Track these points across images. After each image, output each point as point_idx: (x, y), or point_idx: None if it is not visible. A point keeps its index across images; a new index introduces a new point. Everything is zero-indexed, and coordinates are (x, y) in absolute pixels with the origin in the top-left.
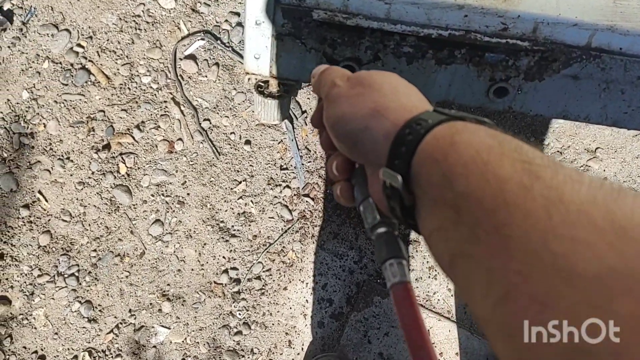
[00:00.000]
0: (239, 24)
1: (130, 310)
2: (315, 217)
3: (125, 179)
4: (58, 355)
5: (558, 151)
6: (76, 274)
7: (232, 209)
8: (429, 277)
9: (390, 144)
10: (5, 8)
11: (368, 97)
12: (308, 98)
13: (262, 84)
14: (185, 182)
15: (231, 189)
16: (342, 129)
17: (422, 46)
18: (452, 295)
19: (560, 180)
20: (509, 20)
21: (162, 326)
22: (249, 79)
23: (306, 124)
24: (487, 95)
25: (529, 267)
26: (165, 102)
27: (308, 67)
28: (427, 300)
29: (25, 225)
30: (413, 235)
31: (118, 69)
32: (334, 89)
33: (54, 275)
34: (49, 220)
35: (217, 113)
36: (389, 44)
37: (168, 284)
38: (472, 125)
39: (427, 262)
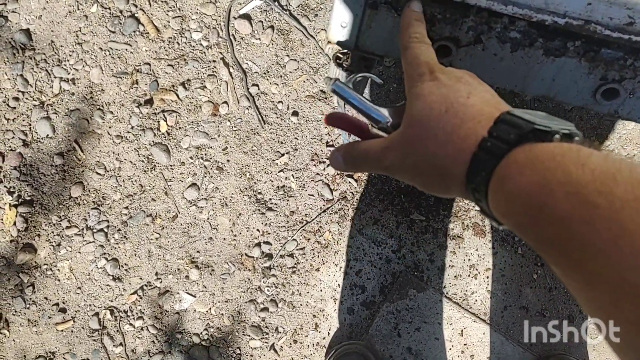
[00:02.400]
0: None
1: (156, 274)
2: (357, 199)
3: (165, 137)
4: (79, 310)
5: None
6: (105, 229)
7: (272, 181)
8: (469, 275)
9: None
10: None
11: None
12: None
13: (341, 56)
14: (227, 147)
15: (273, 160)
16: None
17: (532, 33)
18: (490, 298)
19: None
20: (638, 14)
21: (188, 293)
22: (329, 48)
23: (382, 83)
24: (593, 96)
25: None
26: (214, 61)
27: (398, 43)
28: (464, 300)
29: (58, 173)
30: (456, 230)
31: (169, 21)
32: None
33: (83, 229)
34: (83, 171)
35: (267, 79)
36: (495, 27)
37: (198, 251)
38: (577, 149)
39: (469, 259)
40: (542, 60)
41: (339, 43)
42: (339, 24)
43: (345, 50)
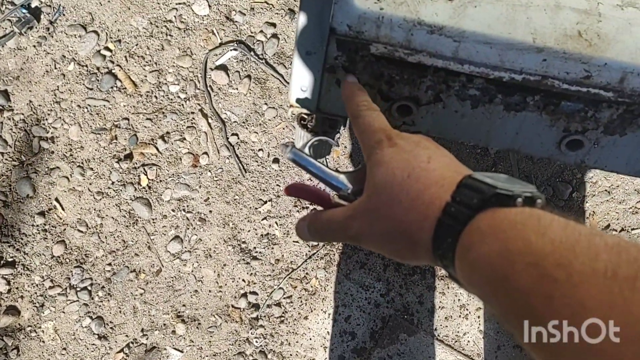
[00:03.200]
0: (274, 36)
1: (142, 330)
2: (342, 244)
3: (146, 191)
4: None
5: (606, 190)
6: (89, 287)
7: (256, 229)
8: (460, 316)
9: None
10: (33, 5)
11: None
12: None
13: (306, 117)
14: (208, 198)
15: (256, 208)
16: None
17: (491, 89)
18: (482, 338)
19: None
20: (594, 68)
21: (175, 349)
22: (292, 112)
23: (338, 145)
24: (558, 147)
25: None
26: (192, 113)
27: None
28: (456, 342)
29: (39, 233)
30: (443, 270)
31: (146, 76)
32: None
33: (66, 288)
34: (65, 229)
35: (246, 128)
36: (453, 85)
37: (184, 305)
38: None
39: (459, 300)
40: (504, 115)
41: (301, 106)
42: (299, 87)
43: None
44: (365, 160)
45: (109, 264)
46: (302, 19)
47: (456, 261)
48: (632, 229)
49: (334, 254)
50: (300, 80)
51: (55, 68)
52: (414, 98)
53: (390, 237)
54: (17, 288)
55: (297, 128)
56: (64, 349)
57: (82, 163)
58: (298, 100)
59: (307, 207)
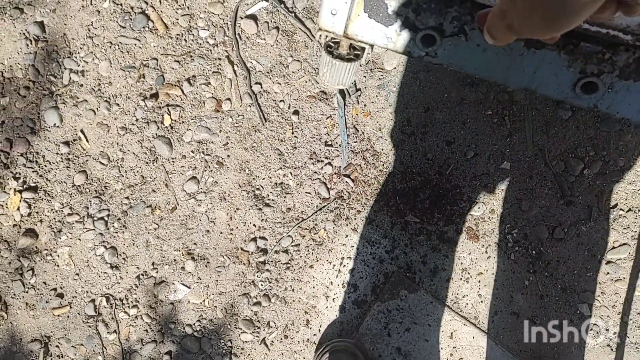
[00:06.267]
0: None
1: (153, 263)
2: (353, 199)
3: (168, 130)
4: (76, 296)
5: (617, 170)
6: (105, 218)
7: (270, 177)
8: (461, 279)
9: None
10: None
11: None
12: (364, 77)
13: (333, 44)
14: (227, 143)
15: (272, 157)
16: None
17: None
18: (481, 302)
19: None
20: None
21: (183, 284)
22: (320, 36)
23: (358, 103)
24: (573, 89)
25: None
26: (219, 59)
27: (385, 31)
28: (454, 303)
29: (63, 162)
30: (449, 233)
31: (177, 19)
32: None
33: (84, 216)
34: (87, 160)
35: (270, 78)
36: None
37: (195, 243)
38: None
39: (461, 263)
40: (524, 51)
41: (329, 30)
42: (329, 10)
43: (336, 39)
44: None
45: (127, 198)
46: None
47: None
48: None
49: (344, 208)
50: (332, 3)
51: (91, 4)
52: (438, 28)
53: None
54: (37, 212)
55: (322, 54)
56: (77, 274)
57: (109, 98)
58: (327, 24)
59: (322, 161)
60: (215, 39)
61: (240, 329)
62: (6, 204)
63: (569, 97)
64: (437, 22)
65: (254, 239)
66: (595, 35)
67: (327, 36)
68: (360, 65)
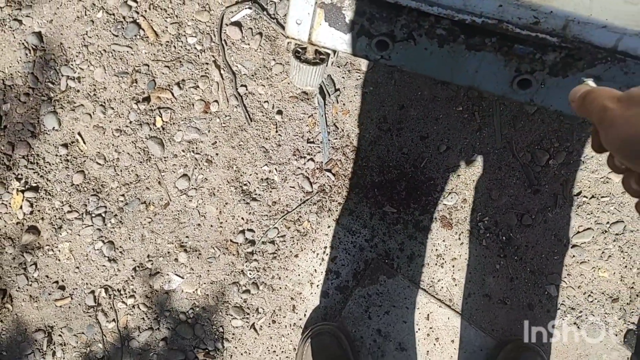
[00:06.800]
0: None
1: (148, 256)
2: (334, 192)
3: (160, 131)
4: (77, 288)
5: (581, 160)
6: (103, 214)
7: (257, 173)
8: (436, 264)
9: None
10: None
11: None
12: (343, 77)
13: (300, 50)
14: (216, 142)
15: (258, 154)
16: (632, 150)
17: (455, 30)
18: (455, 285)
19: None
20: (542, 15)
21: (177, 275)
22: (288, 43)
23: (337, 102)
24: (510, 86)
25: None
26: (206, 64)
27: (344, 37)
28: (430, 287)
29: (62, 163)
30: (425, 222)
31: (167, 27)
32: (607, 113)
33: (83, 213)
34: (84, 161)
35: (254, 81)
36: (423, 25)
37: (187, 236)
38: None
39: (436, 249)
40: (465, 54)
41: (295, 38)
42: (295, 20)
43: (303, 45)
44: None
45: (122, 195)
46: None
47: None
48: (602, 197)
49: (326, 201)
50: (296, 13)
51: (86, 14)
52: (390, 35)
53: None
54: (38, 210)
55: (292, 59)
56: (77, 267)
57: (104, 102)
58: (293, 32)
59: (304, 157)
60: (202, 45)
61: (231, 315)
62: (9, 203)
63: (507, 92)
64: (388, 29)
65: (243, 231)
66: (527, 38)
67: (294, 43)
68: (333, 65)
